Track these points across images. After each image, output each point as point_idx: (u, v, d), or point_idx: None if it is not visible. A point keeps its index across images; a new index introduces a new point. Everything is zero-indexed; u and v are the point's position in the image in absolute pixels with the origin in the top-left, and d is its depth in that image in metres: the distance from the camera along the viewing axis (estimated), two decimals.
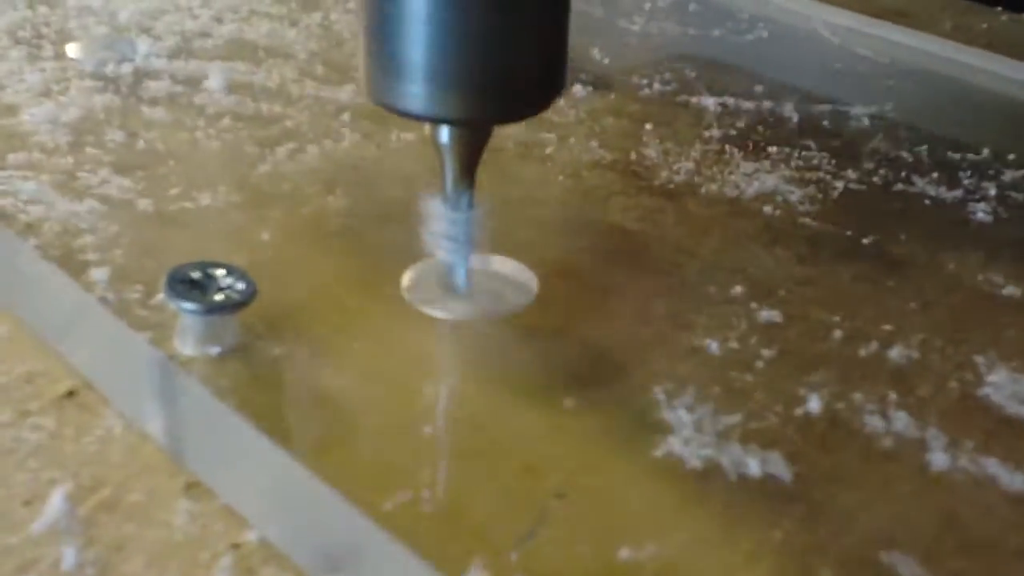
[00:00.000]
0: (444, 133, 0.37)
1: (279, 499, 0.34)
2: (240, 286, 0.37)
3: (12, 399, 0.38)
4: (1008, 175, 0.54)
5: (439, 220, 0.39)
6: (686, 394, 0.37)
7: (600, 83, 0.61)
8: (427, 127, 0.37)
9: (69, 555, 0.33)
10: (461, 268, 0.40)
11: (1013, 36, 0.73)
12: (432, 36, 0.34)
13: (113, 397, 0.39)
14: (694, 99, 0.60)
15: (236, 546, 0.34)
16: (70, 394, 0.39)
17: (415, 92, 0.35)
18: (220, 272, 0.38)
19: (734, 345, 0.40)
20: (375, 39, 0.36)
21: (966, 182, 0.53)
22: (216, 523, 0.34)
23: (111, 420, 0.38)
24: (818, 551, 0.31)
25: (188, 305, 0.36)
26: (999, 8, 0.78)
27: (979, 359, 0.40)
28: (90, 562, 0.33)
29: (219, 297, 0.37)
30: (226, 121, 0.53)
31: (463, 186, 0.38)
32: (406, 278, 0.41)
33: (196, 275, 0.37)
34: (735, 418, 0.36)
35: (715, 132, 0.56)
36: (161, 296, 0.39)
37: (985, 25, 0.75)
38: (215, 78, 0.57)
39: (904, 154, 0.55)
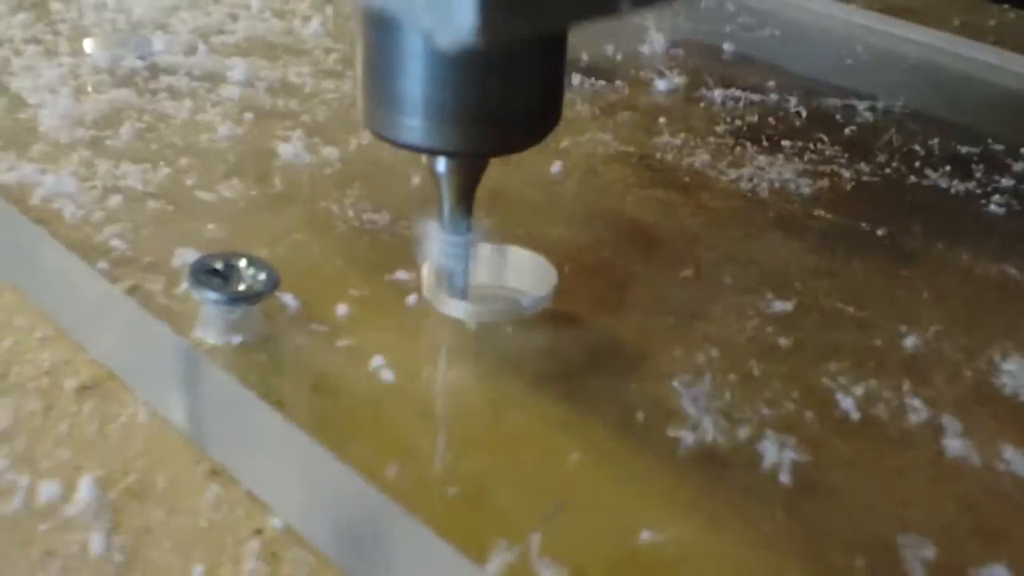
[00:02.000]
0: (441, 164, 0.37)
1: (302, 485, 0.34)
2: (262, 276, 0.38)
3: (37, 389, 0.39)
4: (1021, 167, 0.54)
5: (438, 243, 0.39)
6: (702, 382, 0.37)
7: (613, 78, 0.62)
8: (424, 157, 0.38)
9: (97, 540, 0.33)
10: (460, 284, 0.40)
11: (1021, 33, 0.74)
12: (427, 71, 0.34)
13: (136, 386, 0.39)
14: (707, 93, 0.60)
15: (260, 531, 0.34)
16: (94, 383, 0.40)
17: (412, 125, 0.35)
18: (243, 263, 0.38)
19: (750, 335, 0.40)
20: (371, 72, 0.36)
21: (979, 175, 0.53)
22: (240, 509, 0.35)
23: (134, 408, 0.38)
24: (834, 535, 0.32)
25: (212, 295, 0.37)
26: (1006, 5, 0.78)
27: (994, 348, 0.40)
28: (118, 547, 0.33)
29: (242, 287, 0.37)
30: (243, 116, 0.53)
31: (460, 214, 0.38)
32: (424, 272, 0.41)
33: (219, 266, 0.38)
34: (752, 406, 0.36)
35: (728, 126, 0.57)
36: (183, 286, 0.39)
37: (993, 22, 0.75)
38: (231, 73, 0.58)
39: (916, 147, 0.56)
